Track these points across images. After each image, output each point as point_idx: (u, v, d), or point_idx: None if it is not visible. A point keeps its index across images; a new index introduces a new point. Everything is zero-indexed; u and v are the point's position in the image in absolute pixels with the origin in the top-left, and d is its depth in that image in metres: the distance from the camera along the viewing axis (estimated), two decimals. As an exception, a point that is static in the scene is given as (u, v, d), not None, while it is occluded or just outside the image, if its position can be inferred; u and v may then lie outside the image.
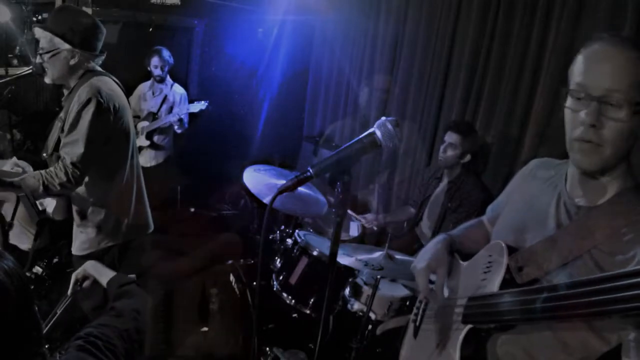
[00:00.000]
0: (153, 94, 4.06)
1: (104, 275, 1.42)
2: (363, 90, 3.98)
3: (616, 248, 0.95)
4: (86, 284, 1.46)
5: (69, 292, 1.48)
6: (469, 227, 1.49)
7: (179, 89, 4.11)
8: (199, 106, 3.92)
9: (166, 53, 3.94)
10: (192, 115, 4.06)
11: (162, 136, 4.08)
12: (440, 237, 1.38)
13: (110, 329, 1.10)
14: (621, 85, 0.94)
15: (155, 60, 3.91)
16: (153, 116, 4.00)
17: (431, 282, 1.28)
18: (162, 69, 3.93)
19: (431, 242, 1.38)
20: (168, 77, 4.05)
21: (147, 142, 4.01)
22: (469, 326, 1.11)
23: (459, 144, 2.68)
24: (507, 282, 1.07)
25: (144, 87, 4.08)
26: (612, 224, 0.97)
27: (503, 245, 1.13)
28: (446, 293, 1.30)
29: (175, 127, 3.98)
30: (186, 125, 4.03)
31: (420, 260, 1.30)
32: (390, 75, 3.72)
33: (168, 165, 4.20)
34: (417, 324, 1.41)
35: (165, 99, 4.03)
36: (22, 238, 2.92)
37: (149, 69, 3.97)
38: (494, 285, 1.08)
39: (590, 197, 1.05)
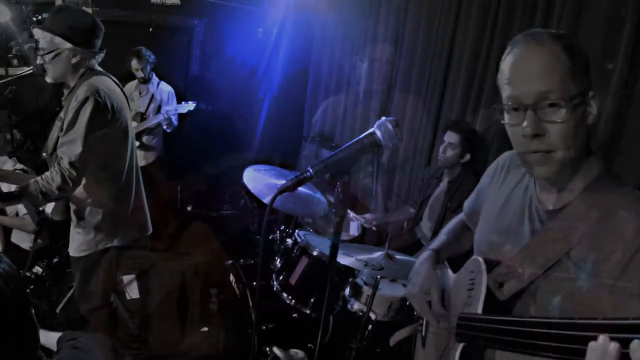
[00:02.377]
0: (140, 93, 4.02)
1: (51, 337, 1.33)
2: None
3: (592, 246, 0.91)
4: None
5: None
6: (452, 230, 1.46)
7: (165, 87, 4.06)
8: (187, 107, 3.90)
9: (145, 53, 3.87)
10: (191, 114, 4.05)
11: (150, 136, 4.05)
12: (425, 254, 1.35)
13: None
14: (552, 83, 0.89)
15: (134, 63, 3.86)
16: (141, 116, 3.97)
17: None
18: (142, 71, 3.88)
19: (418, 261, 1.35)
20: (154, 75, 4.00)
21: (137, 143, 3.98)
22: (463, 344, 1.09)
23: (459, 144, 2.68)
24: (491, 300, 1.04)
25: (129, 87, 4.02)
26: (584, 222, 0.93)
27: (481, 261, 1.10)
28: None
29: (164, 126, 3.95)
30: (175, 124, 4.00)
31: (412, 286, 1.28)
32: (390, 75, 3.73)
33: (159, 165, 4.17)
34: (423, 334, 1.41)
35: (152, 98, 3.99)
36: (23, 237, 2.92)
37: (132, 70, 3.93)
38: (477, 306, 1.05)
39: (558, 198, 1.01)
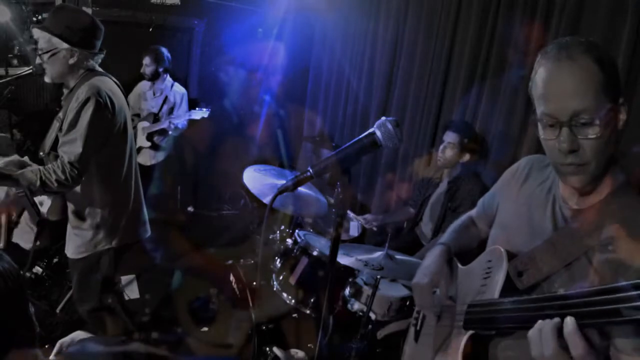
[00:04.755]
0: (154, 94, 4.05)
1: None
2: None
3: (613, 248, 0.94)
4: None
5: (51, 357, 1.45)
6: (460, 229, 1.48)
7: (179, 89, 4.10)
8: (200, 113, 3.92)
9: (160, 52, 3.90)
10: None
11: (162, 137, 4.08)
12: (437, 248, 1.38)
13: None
14: (586, 102, 0.91)
15: (147, 60, 3.90)
16: (154, 117, 4.00)
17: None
18: (150, 68, 3.90)
19: (429, 254, 1.37)
20: (168, 77, 4.04)
21: (148, 144, 4.01)
22: (471, 332, 1.11)
23: (458, 144, 2.68)
24: (507, 288, 1.06)
25: (143, 86, 4.06)
26: (607, 224, 0.96)
27: (502, 250, 1.12)
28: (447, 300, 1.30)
29: (169, 131, 3.97)
30: (182, 128, 4.02)
31: (422, 276, 1.30)
32: (390, 75, 3.73)
33: (168, 164, 4.20)
34: (418, 328, 1.41)
35: (166, 99, 4.03)
36: (24, 237, 2.91)
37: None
38: (494, 292, 1.08)
39: (584, 199, 1.04)
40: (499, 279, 1.08)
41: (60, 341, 1.40)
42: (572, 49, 0.94)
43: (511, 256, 1.11)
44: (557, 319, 0.81)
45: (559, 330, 0.79)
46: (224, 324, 2.73)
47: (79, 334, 1.41)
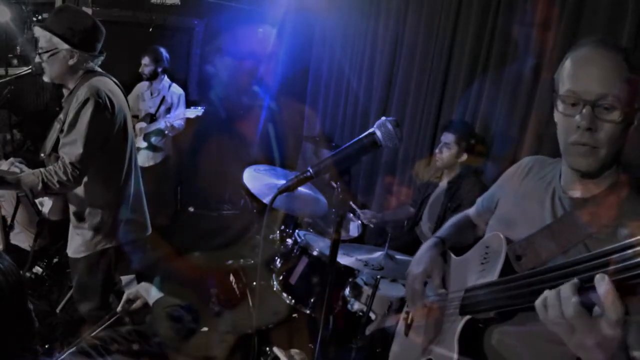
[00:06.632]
0: (151, 94, 4.02)
1: (153, 297, 1.46)
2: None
3: (608, 237, 0.98)
4: (137, 304, 1.49)
5: (119, 309, 1.50)
6: (456, 225, 1.51)
7: (177, 90, 4.08)
8: (195, 112, 3.91)
9: (159, 53, 3.89)
10: (191, 115, 4.05)
11: (159, 137, 4.07)
12: (432, 240, 1.40)
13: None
14: (612, 88, 0.97)
15: (146, 60, 3.89)
16: (151, 117, 3.98)
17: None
18: (149, 68, 3.89)
19: (424, 246, 1.40)
20: (166, 77, 4.02)
21: (145, 144, 3.99)
22: (467, 317, 1.12)
23: (454, 144, 2.68)
24: (506, 272, 1.08)
25: (141, 86, 4.04)
26: (605, 214, 1.00)
27: (502, 236, 1.14)
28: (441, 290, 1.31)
29: (166, 131, 3.97)
30: (179, 128, 4.01)
31: (417, 266, 1.33)
32: (390, 75, 3.73)
33: (166, 165, 4.19)
34: (409, 321, 1.42)
35: (163, 100, 4.01)
36: (22, 238, 2.91)
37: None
38: (493, 275, 1.09)
39: (586, 189, 1.08)
40: (498, 263, 1.09)
41: (127, 292, 1.49)
42: (607, 44, 1.02)
43: (509, 242, 1.13)
44: (576, 280, 0.78)
45: (579, 290, 0.77)
46: (211, 332, 2.73)
47: (143, 285, 1.50)
